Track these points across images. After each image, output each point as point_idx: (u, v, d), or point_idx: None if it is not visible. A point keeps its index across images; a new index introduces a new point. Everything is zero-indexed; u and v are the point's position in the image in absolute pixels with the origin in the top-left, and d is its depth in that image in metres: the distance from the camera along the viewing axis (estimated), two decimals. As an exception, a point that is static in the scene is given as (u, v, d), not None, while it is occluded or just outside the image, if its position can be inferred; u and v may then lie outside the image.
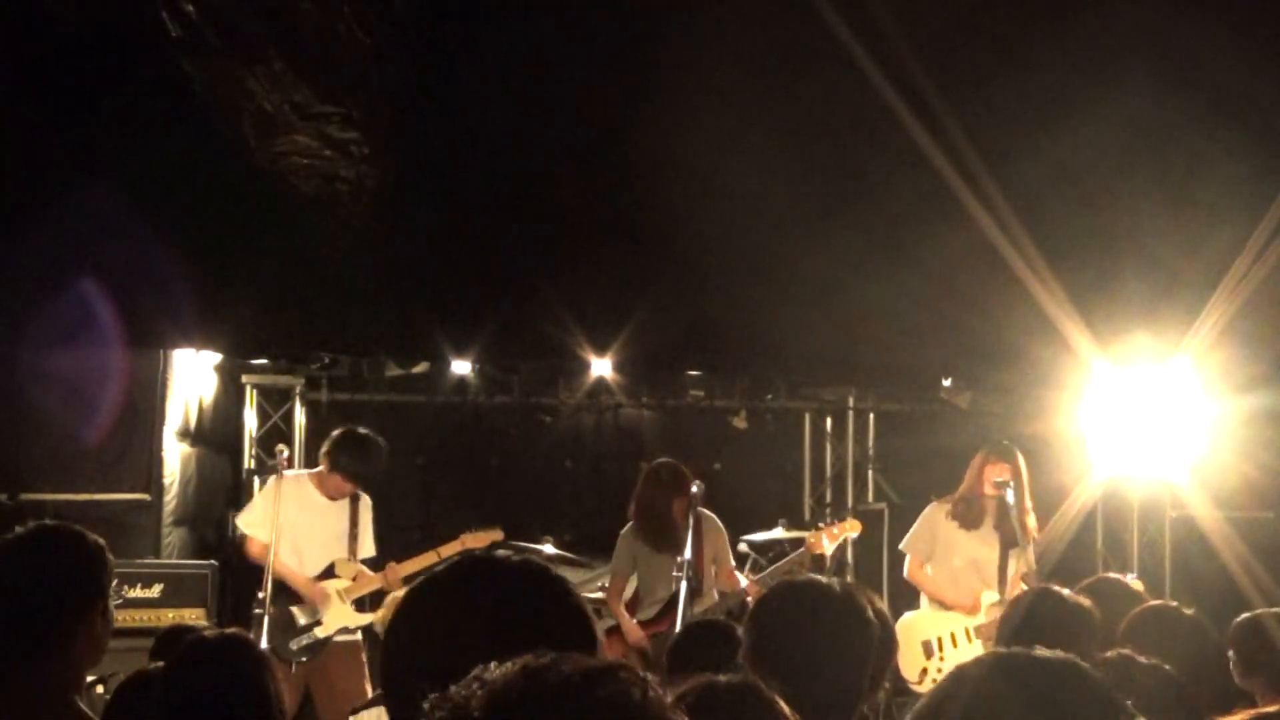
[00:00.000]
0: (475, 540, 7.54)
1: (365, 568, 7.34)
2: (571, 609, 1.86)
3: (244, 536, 7.34)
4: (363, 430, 7.41)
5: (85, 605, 3.07)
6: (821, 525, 7.73)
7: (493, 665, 1.28)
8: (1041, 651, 1.80)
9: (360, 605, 7.30)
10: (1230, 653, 4.53)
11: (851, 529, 7.87)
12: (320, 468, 7.29)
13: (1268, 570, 7.60)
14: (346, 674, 7.15)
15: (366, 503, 7.42)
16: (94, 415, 7.77)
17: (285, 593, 7.11)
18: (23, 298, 6.37)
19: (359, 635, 7.36)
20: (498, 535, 7.63)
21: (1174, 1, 5.83)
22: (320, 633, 7.07)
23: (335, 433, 7.43)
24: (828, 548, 7.60)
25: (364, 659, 7.33)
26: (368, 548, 7.40)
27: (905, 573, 7.55)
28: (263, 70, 5.56)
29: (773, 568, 7.83)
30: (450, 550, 7.43)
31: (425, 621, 1.87)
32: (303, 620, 7.03)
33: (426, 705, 1.28)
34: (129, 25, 5.48)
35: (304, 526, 7.15)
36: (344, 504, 7.31)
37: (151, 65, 5.54)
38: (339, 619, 7.15)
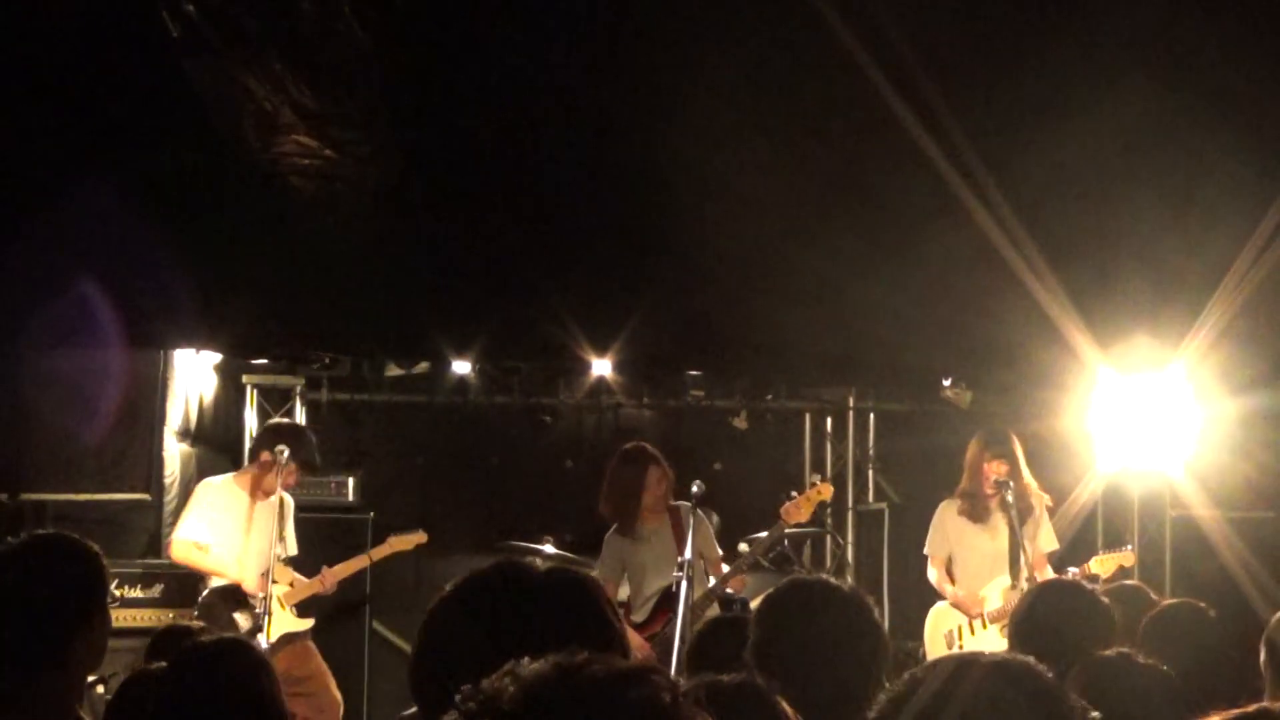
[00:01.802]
0: (401, 543, 7.70)
1: (293, 571, 7.33)
2: (600, 619, 1.88)
3: (176, 543, 7.23)
4: (287, 420, 7.49)
5: (84, 614, 3.07)
6: (795, 494, 7.63)
7: (525, 660, 1.29)
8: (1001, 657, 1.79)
9: (302, 610, 7.30)
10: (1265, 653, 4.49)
11: (824, 493, 7.82)
12: (248, 468, 7.29)
13: (1268, 570, 7.60)
14: (300, 664, 7.13)
15: (289, 502, 7.40)
16: (94, 415, 7.77)
17: (230, 598, 7.08)
18: (23, 298, 6.37)
19: (307, 631, 7.34)
20: (422, 538, 7.76)
21: (1174, 1, 5.84)
22: (263, 639, 6.94)
23: (270, 425, 7.47)
24: (805, 514, 7.59)
25: (313, 646, 7.31)
26: (291, 546, 7.40)
27: (929, 575, 7.65)
28: (263, 70, 5.56)
29: (746, 553, 7.76)
30: (381, 553, 7.61)
31: (453, 632, 1.90)
32: (245, 626, 6.95)
33: (458, 696, 1.29)
34: (129, 25, 5.48)
35: (241, 535, 7.09)
36: (274, 505, 7.18)
37: (151, 65, 5.55)
38: (282, 625, 7.10)
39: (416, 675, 1.88)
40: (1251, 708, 2.05)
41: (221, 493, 7.22)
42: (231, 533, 7.12)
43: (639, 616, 7.35)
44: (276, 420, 7.56)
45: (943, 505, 7.67)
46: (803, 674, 2.86)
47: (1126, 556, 7.43)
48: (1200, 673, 4.12)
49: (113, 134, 5.90)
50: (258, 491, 7.21)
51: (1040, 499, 7.53)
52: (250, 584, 7.04)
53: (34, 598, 3.04)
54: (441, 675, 1.84)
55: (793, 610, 3.15)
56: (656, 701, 1.24)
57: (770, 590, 3.32)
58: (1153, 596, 5.33)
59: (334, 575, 7.34)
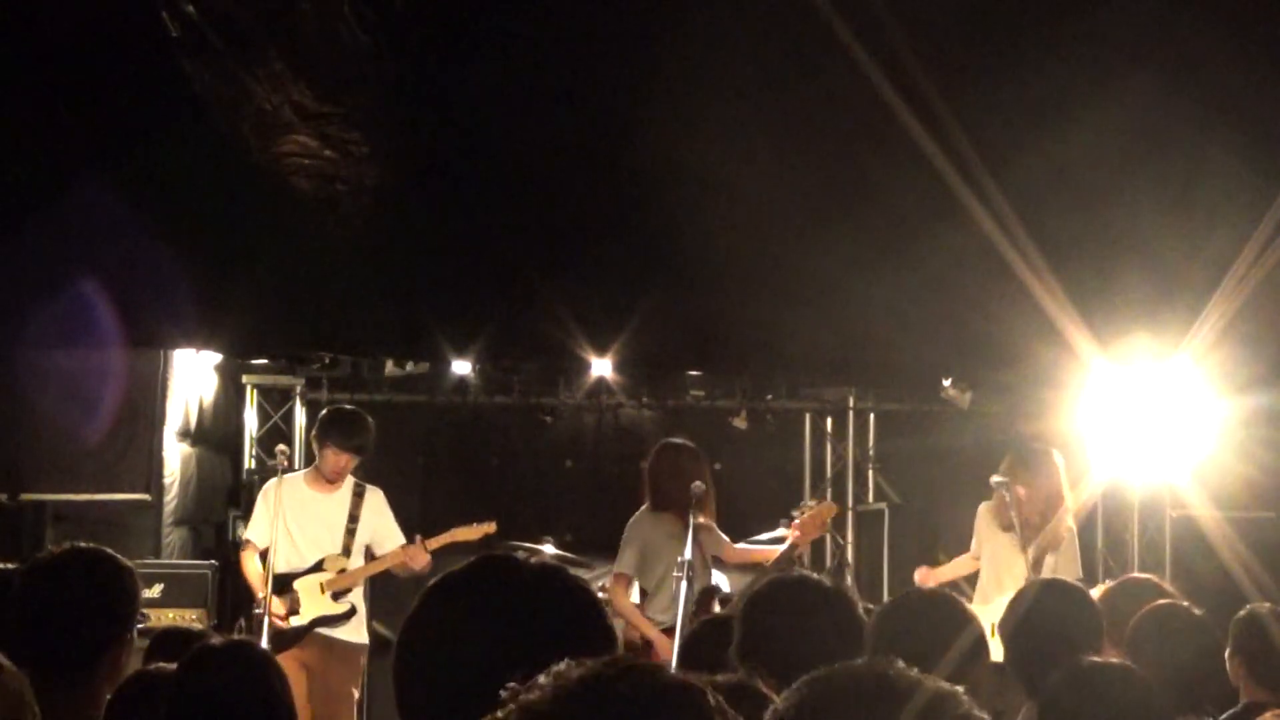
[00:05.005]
0: (466, 533, 7.42)
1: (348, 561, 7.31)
2: (592, 612, 1.86)
3: (242, 543, 7.37)
4: (349, 407, 7.50)
5: (119, 630, 3.08)
6: (798, 513, 7.54)
7: (565, 663, 1.27)
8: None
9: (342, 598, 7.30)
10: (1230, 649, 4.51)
11: (828, 511, 7.77)
12: (315, 463, 7.33)
13: (1268, 570, 7.59)
14: (344, 677, 7.17)
15: (375, 494, 7.39)
16: (94, 415, 7.76)
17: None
18: (23, 298, 6.37)
19: (365, 639, 7.35)
20: (490, 529, 7.51)
21: (1174, 1, 5.84)
22: (294, 620, 7.08)
23: (323, 413, 7.48)
24: (818, 533, 7.57)
25: (362, 665, 7.34)
26: (393, 539, 7.34)
27: None
28: (263, 70, 5.56)
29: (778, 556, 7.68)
30: (439, 543, 7.33)
31: (440, 622, 1.85)
32: (279, 611, 7.05)
33: (504, 693, 1.27)
34: (129, 25, 5.48)
35: (299, 526, 7.19)
36: (343, 498, 7.28)
37: (151, 65, 5.55)
38: (316, 608, 7.16)
39: (402, 673, 1.85)
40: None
41: (279, 489, 7.22)
42: (284, 529, 7.17)
43: (665, 617, 7.24)
44: (330, 408, 7.59)
45: (982, 505, 7.65)
46: (787, 670, 2.85)
47: None
48: (1187, 676, 4.13)
49: (113, 134, 5.90)
50: (317, 484, 7.27)
51: (1069, 529, 7.36)
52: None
53: (72, 610, 3.05)
54: (428, 670, 1.82)
55: (776, 608, 3.16)
56: (698, 714, 1.22)
57: (753, 589, 3.32)
58: (1165, 589, 5.28)
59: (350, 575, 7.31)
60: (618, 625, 7.36)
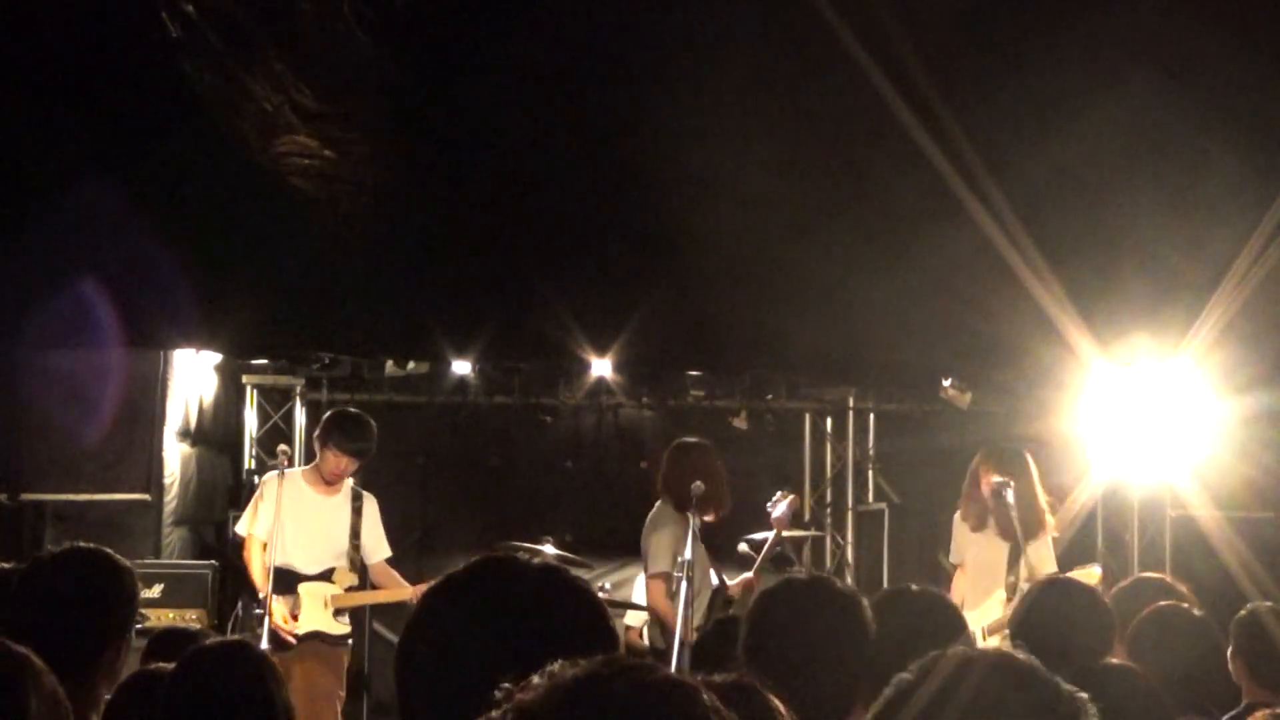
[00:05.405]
0: None
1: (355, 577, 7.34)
2: (592, 612, 1.86)
3: (241, 540, 7.35)
4: (354, 410, 7.47)
5: (118, 630, 3.08)
6: (770, 510, 7.61)
7: (558, 665, 1.27)
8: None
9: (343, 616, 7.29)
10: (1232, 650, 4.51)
11: (795, 503, 7.80)
12: (314, 462, 7.31)
13: (1268, 570, 7.59)
14: (328, 677, 7.15)
15: (370, 502, 7.37)
16: (94, 415, 7.77)
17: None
18: (23, 298, 6.37)
19: (349, 642, 7.34)
20: None
21: (1174, 2, 5.84)
22: (295, 628, 7.05)
23: (326, 415, 7.48)
24: (785, 516, 7.62)
25: (344, 663, 7.33)
26: (381, 549, 7.36)
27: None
28: (263, 70, 5.57)
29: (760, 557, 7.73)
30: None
31: (442, 623, 1.86)
32: (282, 613, 7.03)
33: (498, 693, 1.27)
34: (129, 25, 5.49)
35: (298, 525, 7.13)
36: (344, 504, 7.27)
37: (151, 65, 5.55)
38: (316, 621, 7.12)
39: (403, 672, 1.85)
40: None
41: (280, 484, 7.17)
42: (281, 525, 7.12)
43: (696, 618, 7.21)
44: (334, 410, 7.61)
45: (957, 514, 7.64)
46: (793, 673, 2.85)
47: (1090, 574, 7.30)
48: (1189, 676, 4.13)
49: (113, 134, 5.90)
50: (317, 485, 7.25)
51: (1047, 523, 7.39)
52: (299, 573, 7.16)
53: (71, 610, 3.06)
54: (430, 672, 1.82)
55: (784, 609, 3.15)
56: (693, 712, 1.22)
57: (763, 589, 3.32)
58: (1178, 589, 5.26)
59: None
60: (618, 626, 7.38)
